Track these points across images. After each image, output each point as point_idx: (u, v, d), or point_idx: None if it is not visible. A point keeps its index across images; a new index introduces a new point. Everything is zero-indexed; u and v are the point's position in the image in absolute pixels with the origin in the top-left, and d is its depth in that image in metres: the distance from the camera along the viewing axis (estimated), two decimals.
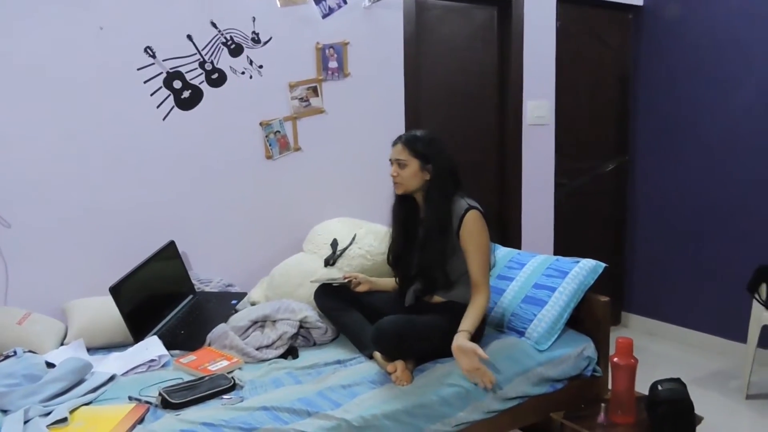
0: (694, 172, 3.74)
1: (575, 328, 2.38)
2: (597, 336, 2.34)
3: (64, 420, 1.64)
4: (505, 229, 3.63)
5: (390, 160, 2.22)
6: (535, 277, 2.42)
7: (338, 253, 2.59)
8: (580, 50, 3.81)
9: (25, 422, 1.62)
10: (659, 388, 2.05)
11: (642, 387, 2.14)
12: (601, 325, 2.34)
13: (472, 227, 2.12)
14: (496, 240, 2.85)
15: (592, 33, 3.85)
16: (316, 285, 2.37)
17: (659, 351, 3.73)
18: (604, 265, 2.39)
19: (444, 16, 3.33)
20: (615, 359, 2.09)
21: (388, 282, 2.41)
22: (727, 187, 3.56)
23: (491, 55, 3.53)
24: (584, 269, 2.35)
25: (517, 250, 2.69)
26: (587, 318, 2.38)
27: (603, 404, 2.14)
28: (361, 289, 2.35)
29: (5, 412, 1.70)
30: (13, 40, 2.26)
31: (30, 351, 1.98)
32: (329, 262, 2.56)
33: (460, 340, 1.98)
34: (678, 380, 2.07)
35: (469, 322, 2.05)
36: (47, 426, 1.60)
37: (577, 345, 2.28)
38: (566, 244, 3.79)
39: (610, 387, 2.20)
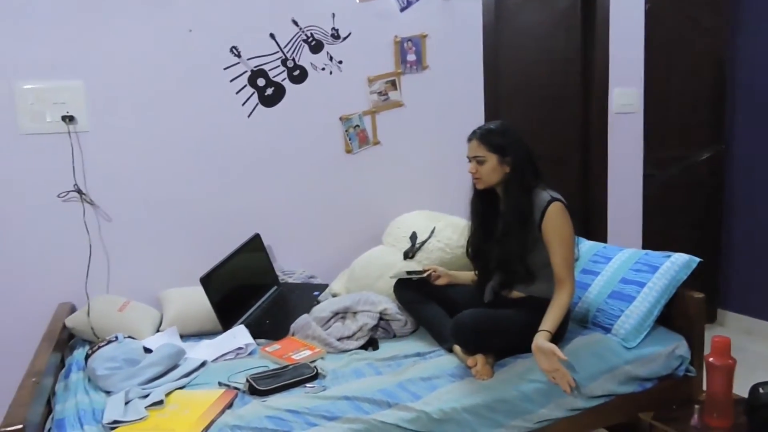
0: None
1: (667, 326, 2.26)
2: (690, 334, 2.21)
3: (160, 402, 1.74)
4: (590, 222, 3.50)
5: (468, 157, 2.18)
6: (623, 272, 2.32)
7: (417, 246, 2.59)
8: (672, 33, 3.60)
9: (126, 403, 1.73)
10: (761, 390, 1.91)
11: (740, 390, 2.01)
12: (695, 323, 2.22)
13: (555, 219, 2.06)
14: (580, 233, 2.75)
15: (684, 14, 3.63)
16: (396, 278, 2.38)
17: (759, 351, 3.49)
18: (698, 260, 2.26)
19: (524, 4, 3.25)
20: (711, 359, 1.97)
21: (467, 275, 2.39)
22: None
23: (574, 43, 3.41)
24: (676, 264, 2.23)
25: (602, 244, 2.59)
26: (680, 315, 2.26)
27: (696, 406, 2.03)
28: (440, 282, 2.34)
29: (108, 393, 1.83)
30: (110, 41, 2.41)
31: (129, 337, 2.10)
32: (408, 254, 2.57)
33: (540, 340, 1.93)
34: None
35: (549, 321, 1.99)
36: (146, 407, 1.70)
37: (668, 343, 2.17)
38: (656, 238, 3.61)
39: (704, 388, 2.09)
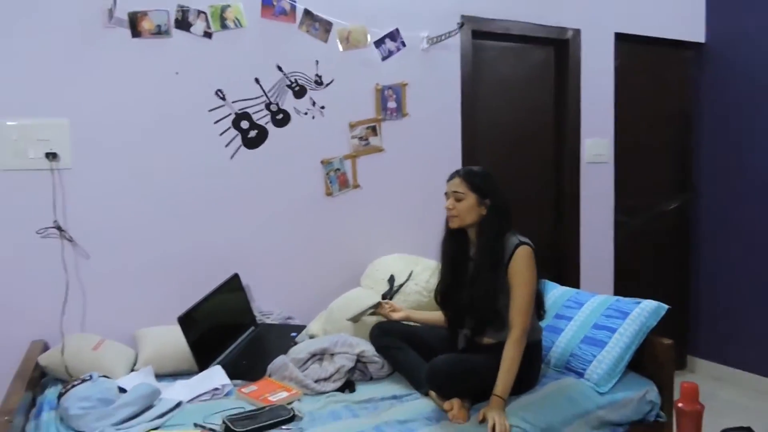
0: (761, 210, 3.61)
1: (637, 371, 2.32)
2: (660, 380, 2.27)
3: None
4: (563, 267, 3.58)
5: (446, 193, 2.22)
6: (595, 317, 2.38)
7: (395, 288, 2.63)
8: (640, 88, 3.79)
9: None
10: None
11: None
12: (665, 369, 2.28)
13: (521, 262, 2.10)
14: (553, 279, 2.83)
15: (652, 70, 3.83)
16: (365, 321, 2.41)
17: (727, 398, 3.56)
18: (666, 307, 2.33)
19: (500, 56, 3.39)
20: (680, 404, 2.03)
21: (433, 315, 2.41)
22: None
23: (548, 94, 3.56)
24: (646, 310, 2.30)
25: (575, 290, 2.66)
26: (650, 361, 2.32)
27: None
28: (397, 317, 2.40)
29: None
30: (97, 80, 2.45)
31: (104, 376, 2.08)
32: (386, 297, 2.60)
33: (494, 410, 1.92)
34: (749, 429, 1.99)
35: (501, 385, 1.98)
36: None
37: (639, 388, 2.22)
38: (627, 284, 3.70)
39: None
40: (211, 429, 1.83)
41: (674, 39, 3.79)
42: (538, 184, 3.57)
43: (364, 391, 2.18)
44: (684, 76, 3.93)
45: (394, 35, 2.99)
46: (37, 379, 2.21)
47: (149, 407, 1.96)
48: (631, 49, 3.70)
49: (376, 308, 2.43)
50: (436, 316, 2.40)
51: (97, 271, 2.48)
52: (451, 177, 2.23)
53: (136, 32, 2.50)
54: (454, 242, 2.28)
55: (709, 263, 3.95)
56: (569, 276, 3.54)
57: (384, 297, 2.59)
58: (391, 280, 2.68)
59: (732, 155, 3.76)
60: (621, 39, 3.63)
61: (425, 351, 2.24)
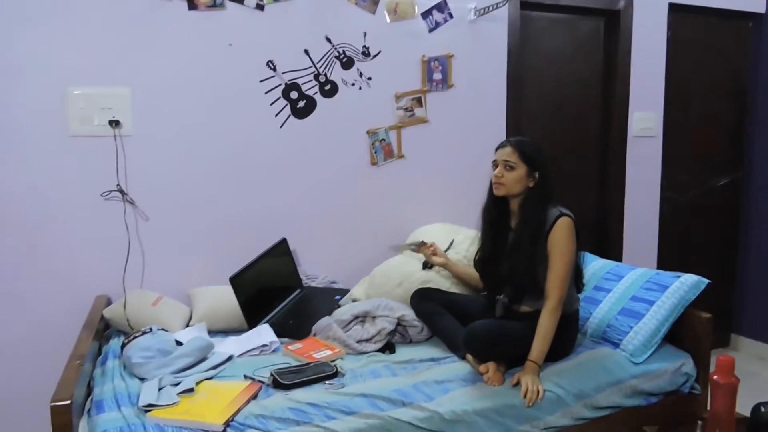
0: None
1: (675, 344, 2.34)
2: (697, 353, 2.29)
3: (191, 390, 1.86)
4: (606, 241, 3.58)
5: (495, 161, 2.23)
6: (633, 290, 2.40)
7: None
8: (693, 60, 3.69)
9: (159, 389, 1.86)
10: (762, 409, 1.98)
11: (746, 410, 2.07)
12: (702, 343, 2.29)
13: (561, 232, 2.13)
14: (596, 252, 2.85)
15: (706, 43, 3.72)
16: (413, 287, 2.50)
17: None
18: (707, 281, 2.33)
19: (548, 27, 3.36)
20: (715, 377, 2.04)
21: (469, 270, 2.50)
22: None
23: (596, 67, 3.51)
24: (685, 284, 2.31)
25: (615, 262, 2.67)
26: (688, 334, 2.33)
27: (700, 422, 2.10)
28: (436, 261, 2.52)
29: (142, 380, 1.96)
30: (156, 52, 2.58)
31: (162, 329, 2.24)
32: (427, 265, 2.68)
33: (528, 375, 2.00)
34: None
35: (536, 351, 2.05)
36: (177, 394, 1.83)
37: (675, 360, 2.25)
38: (672, 260, 3.66)
39: (709, 407, 2.15)
40: (260, 380, 1.96)
41: (731, 9, 3.67)
42: (584, 157, 3.55)
43: (403, 353, 2.27)
44: (740, 48, 3.80)
45: (441, 6, 3.01)
46: (102, 331, 2.40)
47: (203, 359, 2.11)
48: (686, 19, 3.60)
49: (419, 246, 2.54)
50: (472, 271, 2.47)
51: (155, 232, 2.64)
52: (502, 146, 2.24)
53: (192, 5, 2.60)
54: (495, 210, 2.31)
55: (758, 242, 3.87)
56: (612, 250, 3.53)
57: (425, 265, 2.67)
58: None
59: None
60: (675, 9, 3.54)
61: (463, 317, 2.31)
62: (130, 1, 2.52)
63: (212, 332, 2.44)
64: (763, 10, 3.74)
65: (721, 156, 3.88)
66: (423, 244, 2.58)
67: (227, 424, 1.70)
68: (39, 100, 2.44)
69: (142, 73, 2.56)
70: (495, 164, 2.24)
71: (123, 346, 2.12)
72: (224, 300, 2.49)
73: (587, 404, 2.05)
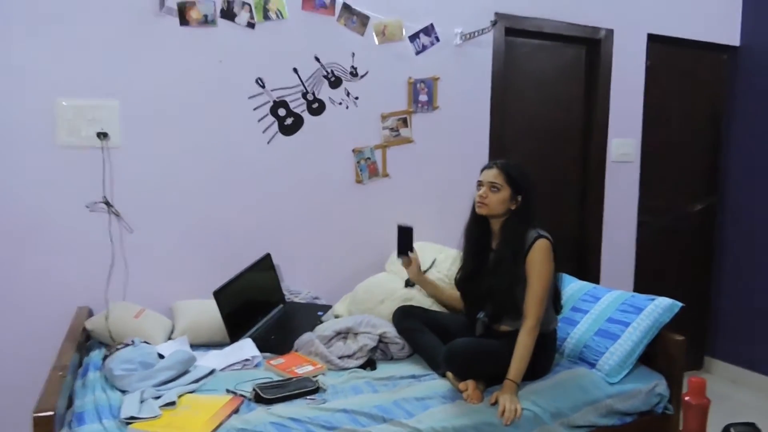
0: None
1: (649, 365, 2.40)
2: (671, 374, 2.35)
3: (173, 403, 1.87)
4: (584, 263, 3.65)
5: (480, 181, 2.28)
6: (610, 312, 2.46)
7: None
8: (671, 89, 3.82)
9: (141, 402, 1.86)
10: (732, 430, 2.05)
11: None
12: (675, 364, 2.35)
13: (539, 254, 2.18)
14: (573, 273, 2.91)
15: (683, 72, 3.85)
16: (395, 304, 2.55)
17: (742, 400, 3.60)
18: (680, 304, 2.39)
19: (532, 53, 3.46)
20: (687, 398, 2.11)
21: (447, 293, 2.54)
22: None
23: (577, 93, 3.61)
24: (659, 307, 2.38)
25: (593, 284, 2.73)
26: (662, 356, 2.39)
27: None
28: (409, 268, 2.52)
29: (124, 392, 1.96)
30: (147, 66, 2.60)
31: (145, 342, 2.24)
32: (409, 283, 2.72)
33: (505, 394, 2.03)
34: (753, 425, 2.08)
35: (514, 370, 2.09)
36: (159, 407, 1.84)
37: (648, 381, 2.30)
38: (648, 283, 3.75)
39: (681, 427, 2.21)
40: (242, 394, 1.98)
41: (708, 41, 3.81)
42: (564, 180, 3.64)
43: (384, 369, 2.30)
44: (716, 79, 3.94)
45: (428, 30, 3.09)
46: (83, 342, 2.39)
47: (185, 372, 2.11)
48: (664, 50, 3.72)
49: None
50: (451, 292, 2.52)
51: (139, 245, 2.65)
52: (489, 167, 2.29)
53: (184, 21, 2.64)
54: (477, 229, 2.35)
55: (731, 267, 3.98)
56: (590, 272, 3.61)
57: (407, 283, 2.70)
58: None
59: (762, 159, 3.77)
60: (654, 40, 3.66)
61: (444, 335, 2.34)
62: (121, 14, 2.55)
63: (194, 346, 2.44)
64: (737, 44, 3.88)
65: (697, 182, 4.00)
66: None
67: None
68: (27, 111, 2.45)
69: (132, 86, 2.59)
70: (480, 184, 2.29)
71: (105, 358, 2.12)
72: (206, 314, 2.50)
73: (564, 423, 2.09)
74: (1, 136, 2.43)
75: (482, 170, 2.31)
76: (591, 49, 3.57)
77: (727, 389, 3.73)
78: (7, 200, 2.45)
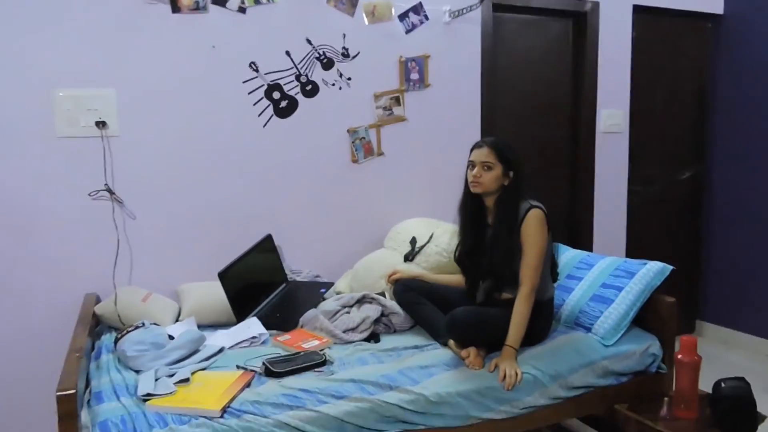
0: None
1: (642, 327, 2.48)
2: (663, 335, 2.44)
3: (186, 380, 1.94)
4: (577, 232, 3.73)
5: (471, 161, 2.32)
6: (603, 277, 2.54)
7: (416, 250, 2.81)
8: (657, 59, 3.87)
9: (156, 380, 1.93)
10: (722, 385, 2.14)
11: (709, 388, 2.22)
12: (667, 325, 2.44)
13: (532, 223, 2.24)
14: (567, 242, 2.99)
15: (669, 42, 3.90)
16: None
17: (732, 360, 3.72)
18: (671, 267, 2.48)
19: (520, 29, 3.50)
20: (679, 356, 2.19)
21: (450, 278, 2.59)
22: None
23: (566, 66, 3.66)
24: (651, 271, 2.46)
25: (586, 252, 2.81)
26: (654, 318, 2.48)
27: (666, 399, 2.24)
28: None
29: (137, 372, 2.03)
30: (141, 54, 2.63)
31: (154, 323, 2.30)
32: (408, 258, 2.79)
33: (505, 360, 2.12)
34: (742, 379, 2.16)
35: (513, 336, 2.17)
36: (174, 383, 1.91)
37: (642, 342, 2.39)
38: (639, 250, 3.81)
39: (674, 385, 2.30)
40: (252, 370, 2.05)
41: (692, 10, 3.85)
42: (555, 152, 3.70)
43: (388, 341, 2.37)
44: (701, 47, 4.00)
45: (417, 9, 3.12)
46: (93, 327, 2.44)
47: (196, 351, 2.18)
48: (649, 20, 3.77)
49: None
50: (454, 278, 2.56)
51: (143, 230, 2.70)
52: (479, 146, 2.32)
53: (176, 8, 2.66)
54: (472, 206, 2.40)
55: (720, 231, 4.07)
56: (583, 241, 3.69)
57: (406, 258, 2.78)
58: (413, 242, 2.85)
59: (747, 126, 3.85)
60: (639, 11, 3.71)
61: (444, 306, 2.40)
62: (114, 3, 2.57)
63: (201, 326, 2.50)
64: (721, 11, 3.93)
65: (684, 150, 4.08)
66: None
67: (224, 410, 1.78)
68: (26, 103, 2.48)
69: (127, 75, 2.62)
70: (472, 164, 2.32)
71: (116, 340, 2.18)
72: (212, 295, 2.56)
73: (562, 385, 2.18)
74: (2, 129, 2.46)
75: (472, 149, 2.34)
76: (578, 22, 3.61)
77: (718, 350, 3.84)
78: (12, 193, 2.49)
